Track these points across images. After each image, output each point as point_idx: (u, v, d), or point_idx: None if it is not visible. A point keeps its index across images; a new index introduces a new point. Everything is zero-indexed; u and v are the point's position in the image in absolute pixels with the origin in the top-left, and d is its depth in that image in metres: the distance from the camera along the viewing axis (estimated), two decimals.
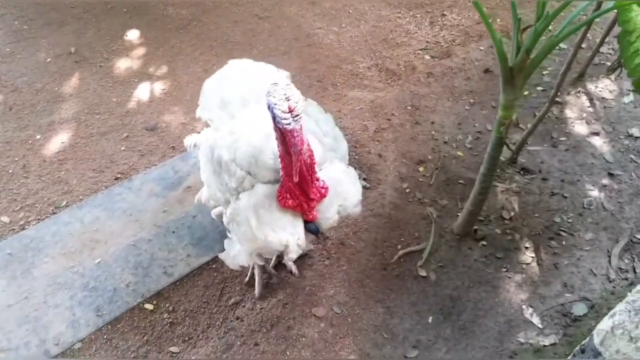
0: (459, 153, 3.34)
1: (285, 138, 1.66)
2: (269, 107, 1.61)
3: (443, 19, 4.48)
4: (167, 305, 2.64)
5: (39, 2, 4.61)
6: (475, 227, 2.85)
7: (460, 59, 4.01)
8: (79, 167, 3.30)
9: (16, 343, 2.50)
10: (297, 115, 1.59)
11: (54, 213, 3.03)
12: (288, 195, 1.89)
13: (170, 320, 2.58)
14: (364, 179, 3.15)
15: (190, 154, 3.33)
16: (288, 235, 1.98)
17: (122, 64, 4.05)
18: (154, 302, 2.65)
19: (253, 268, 2.68)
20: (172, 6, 4.63)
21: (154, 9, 4.61)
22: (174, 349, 2.47)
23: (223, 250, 2.33)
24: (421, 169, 3.24)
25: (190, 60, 4.07)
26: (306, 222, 2.02)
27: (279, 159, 1.83)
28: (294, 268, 2.70)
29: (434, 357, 2.43)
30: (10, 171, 3.26)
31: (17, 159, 3.33)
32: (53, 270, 2.78)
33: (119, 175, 3.25)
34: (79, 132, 3.52)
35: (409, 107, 3.64)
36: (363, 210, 2.99)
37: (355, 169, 3.19)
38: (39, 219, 3.00)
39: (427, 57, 4.08)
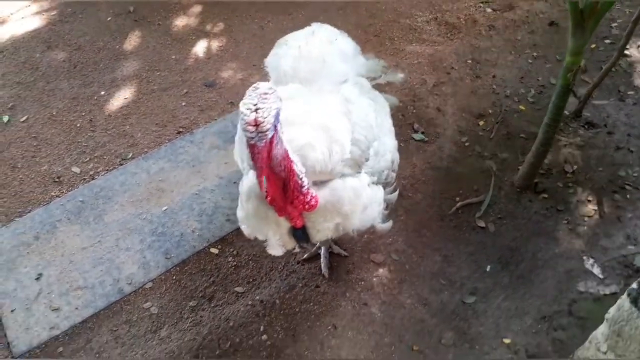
0: (521, 107, 3.27)
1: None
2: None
3: None
4: (232, 249, 2.76)
5: None
6: (536, 180, 2.82)
7: (524, 12, 3.88)
8: (143, 121, 3.43)
9: (92, 282, 2.67)
10: (262, 132, 1.42)
11: (121, 164, 3.18)
12: (267, 192, 1.72)
13: (235, 263, 2.70)
14: (422, 133, 3.15)
15: None
16: (269, 230, 1.92)
17: (180, 22, 4.13)
18: (219, 246, 2.77)
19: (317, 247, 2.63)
20: None
21: None
22: (239, 289, 2.60)
23: None
24: (481, 122, 3.21)
25: (246, 17, 4.10)
26: (294, 228, 1.89)
27: None
28: None
29: (492, 304, 2.46)
30: (78, 125, 3.42)
31: (83, 113, 3.49)
32: (123, 217, 2.94)
33: (181, 129, 3.37)
34: (141, 89, 3.65)
35: (469, 61, 3.58)
36: (421, 164, 3.01)
37: (413, 123, 3.24)
38: (107, 170, 3.16)
39: (489, 10, 3.97)
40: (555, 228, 2.69)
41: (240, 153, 2.14)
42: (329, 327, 2.43)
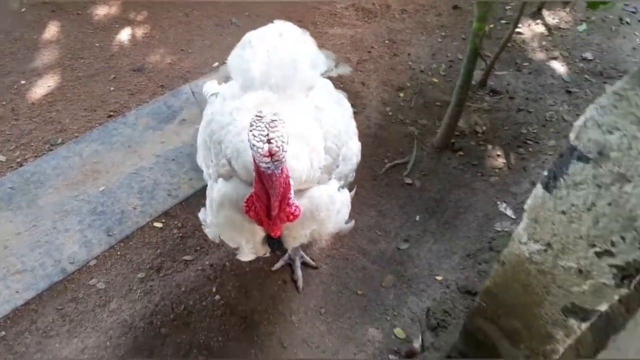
0: (435, 80, 3.64)
1: (262, 177, 1.50)
2: (249, 143, 1.43)
3: None
4: (176, 222, 2.81)
5: None
6: (453, 140, 3.16)
7: None
8: (70, 107, 3.37)
9: (31, 265, 2.61)
10: (277, 161, 1.41)
11: (51, 150, 3.12)
12: (252, 207, 1.70)
13: (181, 234, 2.76)
14: (351, 105, 3.39)
15: (180, 90, 3.47)
16: (243, 239, 1.90)
17: (101, 12, 4.09)
18: (163, 220, 2.82)
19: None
20: None
21: None
22: (187, 257, 2.66)
23: None
24: (401, 94, 3.53)
25: (169, 5, 4.14)
26: (269, 236, 1.85)
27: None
28: None
29: (423, 248, 2.73)
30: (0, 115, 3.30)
31: (4, 103, 3.37)
32: (58, 200, 2.89)
33: (111, 113, 3.35)
34: (65, 76, 3.58)
35: (387, 41, 3.91)
36: None
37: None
38: (36, 156, 3.08)
39: None
40: (472, 180, 3.04)
41: (204, 159, 2.10)
42: (279, 282, 2.57)
